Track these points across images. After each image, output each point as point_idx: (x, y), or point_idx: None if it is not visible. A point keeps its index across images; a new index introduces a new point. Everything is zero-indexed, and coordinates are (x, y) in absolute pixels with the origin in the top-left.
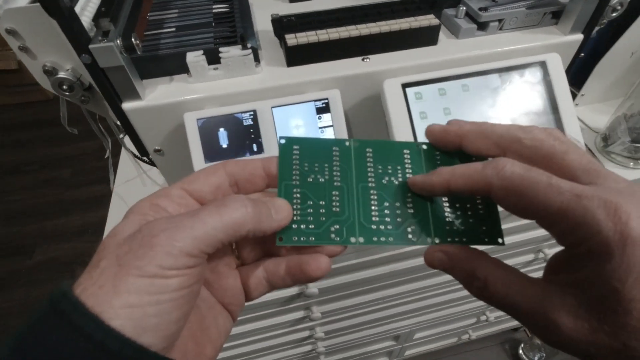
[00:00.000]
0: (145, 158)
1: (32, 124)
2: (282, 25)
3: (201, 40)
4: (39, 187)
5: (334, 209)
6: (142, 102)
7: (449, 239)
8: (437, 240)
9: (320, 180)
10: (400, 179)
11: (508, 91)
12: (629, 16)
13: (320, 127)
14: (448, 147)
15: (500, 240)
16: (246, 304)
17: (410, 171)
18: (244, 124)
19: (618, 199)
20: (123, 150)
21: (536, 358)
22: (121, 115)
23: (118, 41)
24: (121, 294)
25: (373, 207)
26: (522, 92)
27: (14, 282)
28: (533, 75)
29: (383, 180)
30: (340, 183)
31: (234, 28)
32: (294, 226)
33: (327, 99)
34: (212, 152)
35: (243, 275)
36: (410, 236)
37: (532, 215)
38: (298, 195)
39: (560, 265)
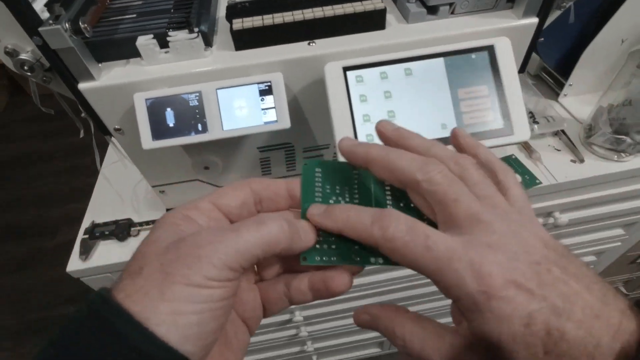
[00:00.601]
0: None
1: (63, 113)
2: (235, 10)
3: (156, 25)
4: (65, 174)
5: None
6: (97, 83)
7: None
8: None
9: (342, 202)
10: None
11: (453, 75)
12: (615, 0)
13: (262, 109)
14: (356, 164)
15: None
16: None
17: None
18: (190, 104)
19: (483, 257)
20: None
21: None
22: (79, 95)
23: (66, 24)
24: (168, 300)
25: None
26: (468, 76)
27: (37, 260)
28: (480, 60)
29: (400, 204)
30: (361, 204)
31: (189, 14)
32: (317, 246)
33: (270, 81)
34: (159, 130)
35: (262, 290)
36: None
37: (418, 270)
38: None
39: (456, 317)
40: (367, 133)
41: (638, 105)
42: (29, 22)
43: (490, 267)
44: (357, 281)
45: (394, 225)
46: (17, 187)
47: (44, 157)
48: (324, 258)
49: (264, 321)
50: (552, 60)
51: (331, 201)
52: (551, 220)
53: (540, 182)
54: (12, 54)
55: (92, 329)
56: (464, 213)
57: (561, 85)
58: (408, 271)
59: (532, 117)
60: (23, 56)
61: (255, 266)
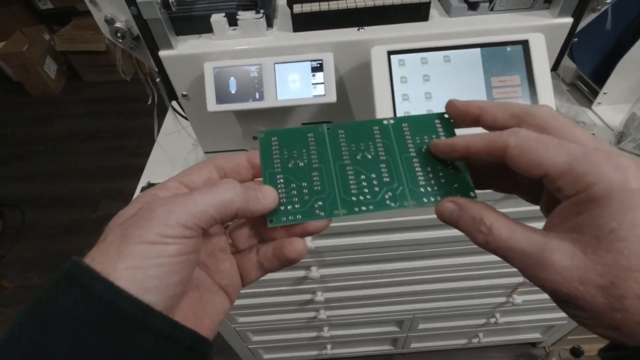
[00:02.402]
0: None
1: (111, 99)
2: None
3: (226, 6)
4: (109, 152)
5: (315, 188)
6: (174, 51)
7: (424, 200)
8: (413, 202)
9: (300, 164)
10: (372, 153)
11: (488, 65)
12: None
13: (313, 84)
14: (466, 120)
15: (472, 193)
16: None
17: (381, 145)
18: (250, 75)
19: (619, 155)
20: (169, 110)
21: None
22: (158, 61)
23: None
24: (125, 258)
25: (351, 181)
26: (502, 67)
27: (79, 229)
28: (514, 53)
29: (357, 157)
30: (319, 164)
31: None
32: (281, 208)
33: (321, 60)
34: (222, 96)
35: (239, 260)
36: (388, 202)
37: (543, 169)
38: (282, 180)
39: (560, 218)
40: (405, 110)
41: None
42: None
43: (626, 162)
44: (377, 266)
45: (525, 130)
46: (66, 161)
47: (92, 136)
48: (290, 217)
49: (285, 299)
50: (588, 68)
51: (290, 165)
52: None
53: None
54: (110, 22)
55: (65, 286)
56: (584, 135)
57: (595, 94)
58: (424, 262)
59: None
60: (118, 24)
61: (230, 238)
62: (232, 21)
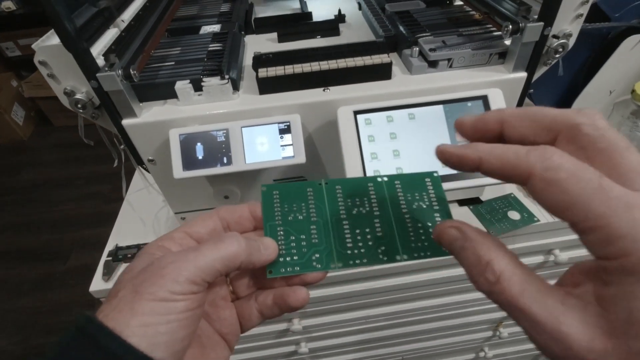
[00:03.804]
0: (144, 166)
1: (83, 143)
2: (260, 60)
3: (191, 72)
4: (82, 200)
5: (313, 240)
6: (138, 119)
7: (415, 255)
8: (405, 257)
9: (299, 217)
10: (367, 209)
11: (451, 120)
12: (601, 56)
13: (281, 145)
14: (485, 138)
15: None
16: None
17: (375, 200)
18: (218, 140)
19: None
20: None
21: None
22: (121, 129)
23: (119, 71)
24: (137, 315)
25: (347, 235)
26: None
27: (48, 284)
28: (475, 107)
29: (353, 211)
30: (317, 218)
31: (221, 63)
32: (280, 259)
33: (289, 122)
34: (189, 162)
35: (238, 308)
36: (381, 256)
37: (571, 215)
38: (281, 232)
39: (584, 277)
40: (374, 169)
41: None
42: (89, 68)
43: None
44: (360, 313)
45: (558, 155)
46: (36, 211)
47: (64, 184)
48: (288, 269)
49: (267, 353)
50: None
51: (290, 218)
52: (551, 257)
53: (539, 220)
54: (69, 94)
55: (81, 343)
56: (637, 164)
57: None
58: (410, 305)
59: None
60: (78, 96)
61: (230, 285)
62: (198, 86)
